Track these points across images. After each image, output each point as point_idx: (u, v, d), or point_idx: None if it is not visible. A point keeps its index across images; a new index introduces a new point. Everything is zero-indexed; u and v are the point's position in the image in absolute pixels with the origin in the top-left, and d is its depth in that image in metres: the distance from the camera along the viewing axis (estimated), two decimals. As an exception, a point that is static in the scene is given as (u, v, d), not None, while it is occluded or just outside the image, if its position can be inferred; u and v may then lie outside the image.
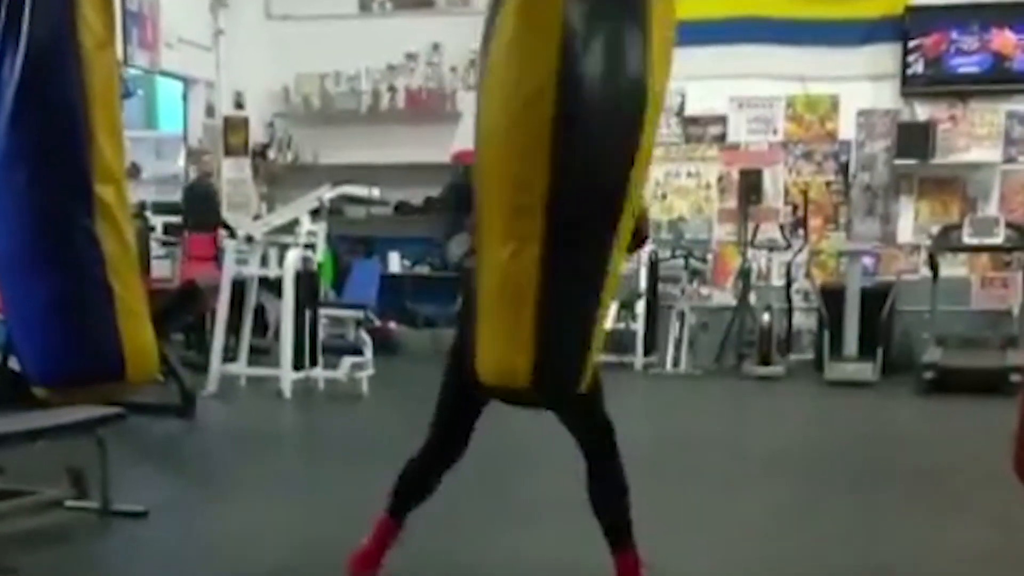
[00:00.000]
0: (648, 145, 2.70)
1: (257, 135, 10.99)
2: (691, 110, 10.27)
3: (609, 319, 2.84)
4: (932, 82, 9.74)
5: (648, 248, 10.00)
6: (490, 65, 2.69)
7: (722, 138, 10.24)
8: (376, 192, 8.72)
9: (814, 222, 9.95)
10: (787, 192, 10.11)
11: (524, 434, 6.86)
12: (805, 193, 9.93)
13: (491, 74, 2.69)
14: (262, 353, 8.73)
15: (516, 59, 2.61)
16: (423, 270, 10.64)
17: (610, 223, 2.69)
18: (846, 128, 10.01)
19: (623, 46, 2.60)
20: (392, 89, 10.72)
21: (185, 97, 10.79)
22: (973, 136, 9.75)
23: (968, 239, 9.03)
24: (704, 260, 10.15)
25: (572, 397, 2.88)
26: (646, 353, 9.68)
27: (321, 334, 8.22)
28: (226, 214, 10.09)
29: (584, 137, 2.59)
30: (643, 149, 2.67)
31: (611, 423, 3.51)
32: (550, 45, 2.55)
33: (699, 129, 10.29)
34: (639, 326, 9.69)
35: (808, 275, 9.88)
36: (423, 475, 3.59)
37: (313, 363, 7.96)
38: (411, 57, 10.70)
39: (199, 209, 9.72)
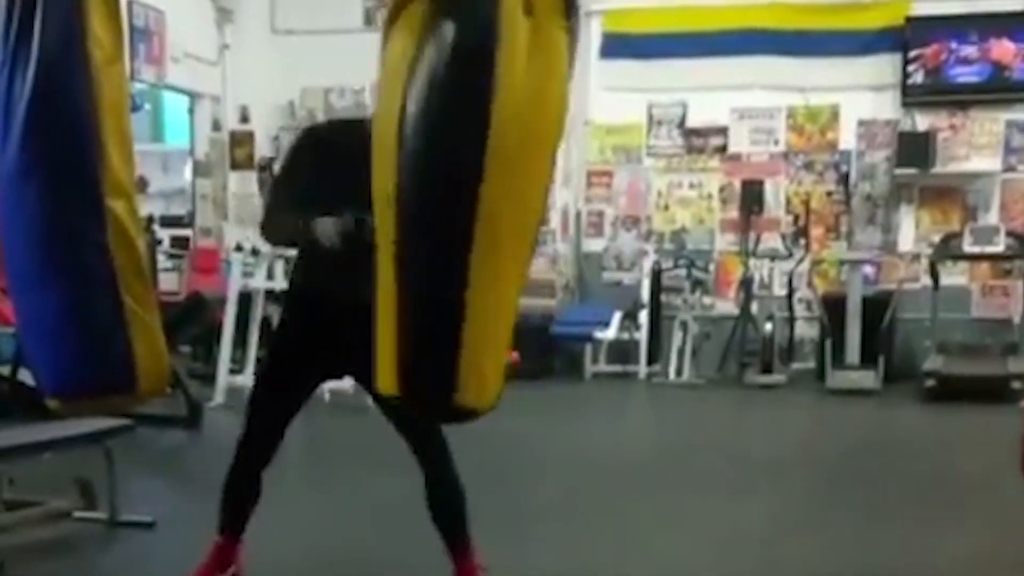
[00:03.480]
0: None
1: (263, 149, 11.04)
2: (692, 121, 10.31)
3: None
4: (932, 92, 9.78)
5: (651, 258, 10.07)
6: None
7: (723, 149, 10.27)
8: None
9: (815, 232, 9.97)
10: (788, 202, 10.14)
11: (524, 437, 6.91)
12: (806, 203, 9.95)
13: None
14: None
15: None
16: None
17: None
18: (847, 138, 10.05)
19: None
20: (396, 102, 10.73)
21: (191, 111, 10.84)
22: (973, 145, 9.78)
23: (968, 248, 9.05)
24: (706, 270, 10.18)
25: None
26: (649, 362, 9.71)
27: (326, 346, 8.21)
28: (233, 228, 10.14)
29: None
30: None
31: (442, 433, 3.47)
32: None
33: (700, 140, 10.32)
34: (642, 336, 9.72)
35: (810, 284, 9.90)
36: (249, 479, 3.58)
37: (319, 375, 7.96)
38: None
39: None
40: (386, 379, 2.68)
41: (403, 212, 2.60)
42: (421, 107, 2.55)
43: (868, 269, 9.70)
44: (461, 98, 2.53)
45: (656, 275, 9.93)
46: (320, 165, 3.36)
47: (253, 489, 3.60)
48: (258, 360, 8.31)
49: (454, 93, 2.53)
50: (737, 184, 10.13)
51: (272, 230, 3.50)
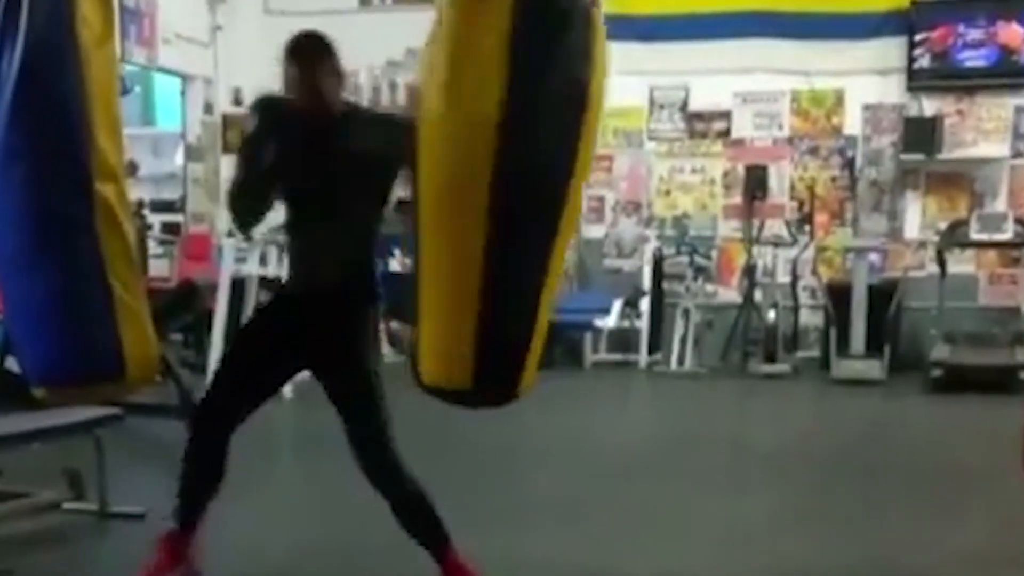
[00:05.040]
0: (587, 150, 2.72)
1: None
2: (695, 105, 10.19)
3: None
4: (938, 76, 9.67)
5: (653, 245, 9.98)
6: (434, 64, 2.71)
7: (727, 133, 10.16)
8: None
9: (820, 218, 9.87)
10: (793, 188, 10.04)
11: (523, 427, 6.84)
12: (811, 189, 9.86)
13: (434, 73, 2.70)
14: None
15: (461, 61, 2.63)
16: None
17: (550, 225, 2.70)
18: (852, 123, 9.94)
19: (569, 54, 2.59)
20: (393, 85, 10.66)
21: (183, 94, 10.73)
22: (980, 130, 9.68)
23: (976, 235, 8.97)
24: (709, 257, 10.10)
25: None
26: (651, 351, 9.62)
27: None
28: (225, 213, 10.03)
29: (526, 140, 2.59)
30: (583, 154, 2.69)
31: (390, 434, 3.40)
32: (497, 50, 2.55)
33: (703, 124, 10.21)
34: (644, 324, 9.63)
35: (814, 272, 9.81)
36: (206, 487, 3.56)
37: (314, 362, 7.87)
38: (412, 53, 10.59)
39: None
40: (453, 372, 2.75)
41: (504, 209, 2.60)
42: (531, 101, 2.56)
43: (874, 256, 9.62)
44: (570, 90, 2.58)
45: (657, 262, 9.86)
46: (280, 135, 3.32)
47: (213, 483, 3.56)
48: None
49: (564, 85, 2.57)
50: (740, 169, 10.02)
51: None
